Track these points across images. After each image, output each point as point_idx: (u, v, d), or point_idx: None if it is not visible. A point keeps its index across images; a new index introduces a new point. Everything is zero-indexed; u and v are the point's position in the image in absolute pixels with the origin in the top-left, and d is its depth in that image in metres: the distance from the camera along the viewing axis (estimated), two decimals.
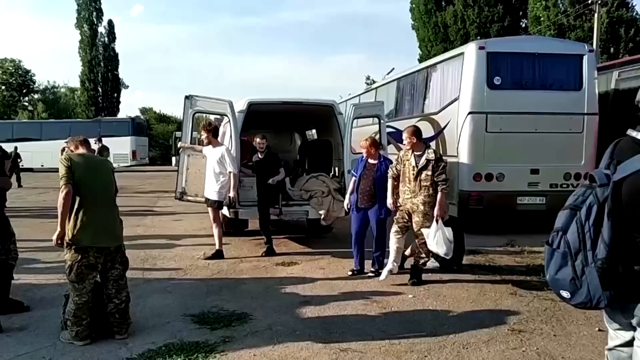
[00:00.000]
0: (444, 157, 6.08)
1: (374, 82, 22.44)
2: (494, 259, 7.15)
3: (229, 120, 7.43)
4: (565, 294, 2.22)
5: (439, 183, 5.65)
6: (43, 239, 6.82)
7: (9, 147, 25.39)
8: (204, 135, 7.16)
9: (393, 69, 13.96)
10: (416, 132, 5.86)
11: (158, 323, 4.57)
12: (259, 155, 7.49)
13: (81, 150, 4.39)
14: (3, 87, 46.59)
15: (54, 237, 4.09)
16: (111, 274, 4.22)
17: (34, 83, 48.86)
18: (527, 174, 8.42)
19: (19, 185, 17.89)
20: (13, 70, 47.11)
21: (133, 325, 4.36)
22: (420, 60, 26.78)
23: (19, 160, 18.92)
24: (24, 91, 48.02)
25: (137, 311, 4.74)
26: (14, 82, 47.05)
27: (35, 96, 48.59)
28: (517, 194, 8.45)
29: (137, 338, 4.21)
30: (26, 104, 47.84)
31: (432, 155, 5.71)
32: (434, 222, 5.59)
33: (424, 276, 5.99)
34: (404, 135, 5.86)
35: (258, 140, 7.48)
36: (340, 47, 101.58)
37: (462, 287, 5.75)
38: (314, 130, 11.26)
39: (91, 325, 4.14)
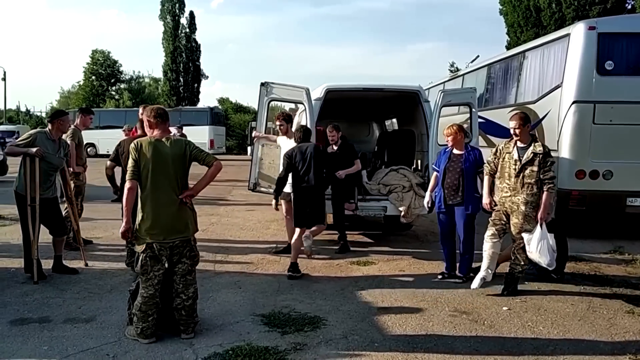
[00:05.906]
0: None
1: (458, 69, 21.31)
2: (599, 268, 6.32)
3: (305, 109, 7.01)
4: None
5: (545, 181, 4.88)
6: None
7: (96, 134, 27.06)
8: (278, 123, 6.74)
9: (478, 56, 13.11)
10: (525, 118, 5.03)
11: (226, 322, 4.31)
12: (334, 147, 7.03)
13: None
14: (93, 77, 49.02)
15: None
16: (178, 268, 4.00)
17: (121, 73, 51.01)
18: None
19: None
20: (102, 61, 49.50)
21: (200, 323, 4.13)
22: (508, 47, 24.96)
23: None
24: (112, 81, 50.26)
25: (205, 307, 4.55)
26: (103, 72, 49.44)
27: (122, 86, 50.75)
28: (628, 195, 7.46)
29: (203, 338, 3.97)
30: (113, 93, 50.11)
31: (539, 149, 4.91)
32: (538, 226, 4.87)
33: (519, 285, 5.29)
34: (512, 123, 5.01)
35: (329, 132, 7.02)
36: (420, 35, 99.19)
37: (566, 300, 5.03)
38: (393, 120, 10.63)
39: (157, 322, 3.95)
